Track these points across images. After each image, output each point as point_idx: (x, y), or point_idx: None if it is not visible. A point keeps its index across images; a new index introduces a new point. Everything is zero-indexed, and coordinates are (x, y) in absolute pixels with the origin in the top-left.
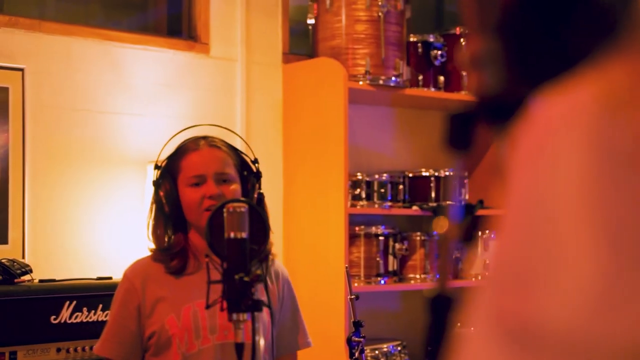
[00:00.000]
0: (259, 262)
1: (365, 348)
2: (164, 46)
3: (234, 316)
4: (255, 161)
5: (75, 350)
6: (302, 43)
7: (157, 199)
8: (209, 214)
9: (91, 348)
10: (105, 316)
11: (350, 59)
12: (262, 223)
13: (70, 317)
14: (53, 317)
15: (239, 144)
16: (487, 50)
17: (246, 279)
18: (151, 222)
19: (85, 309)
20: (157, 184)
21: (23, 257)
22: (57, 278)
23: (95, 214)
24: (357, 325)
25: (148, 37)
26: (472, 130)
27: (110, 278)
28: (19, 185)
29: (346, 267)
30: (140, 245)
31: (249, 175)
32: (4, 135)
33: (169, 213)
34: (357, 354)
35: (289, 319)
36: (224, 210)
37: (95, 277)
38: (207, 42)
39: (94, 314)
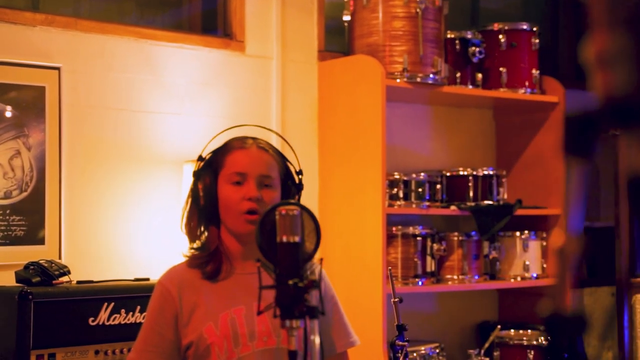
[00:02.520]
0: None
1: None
2: (200, 44)
3: (287, 323)
4: (300, 172)
5: (114, 352)
6: (337, 40)
7: (194, 191)
8: (247, 217)
9: (129, 350)
10: (143, 318)
11: (387, 56)
12: (313, 226)
13: (108, 319)
14: (91, 319)
15: (284, 150)
16: (617, 47)
17: (301, 284)
18: (185, 214)
19: (123, 310)
20: (197, 175)
21: (59, 258)
22: (94, 279)
23: (131, 214)
24: (400, 328)
25: (183, 35)
26: (593, 135)
27: (147, 279)
28: (56, 184)
29: (389, 269)
30: (177, 246)
31: (291, 185)
32: (41, 135)
33: (204, 207)
34: (401, 358)
35: (329, 318)
36: (276, 213)
37: (132, 278)
38: (243, 40)
39: (132, 315)
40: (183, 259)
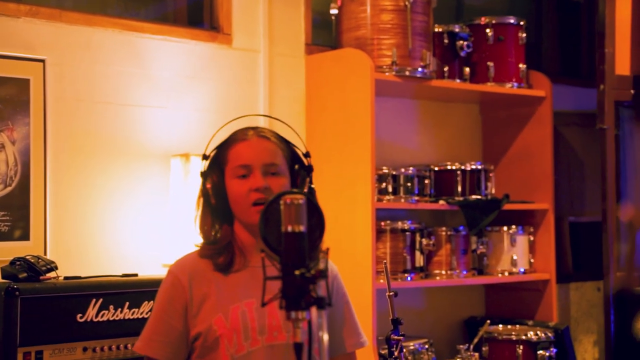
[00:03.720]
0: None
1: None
2: (186, 37)
3: (293, 314)
4: (307, 154)
5: (102, 349)
6: (324, 35)
7: (204, 191)
8: (256, 208)
9: (118, 347)
10: (132, 314)
11: (375, 49)
12: (318, 216)
13: (96, 316)
14: (79, 315)
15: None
16: None
17: (308, 274)
18: (198, 216)
19: (111, 307)
20: (204, 175)
21: (45, 254)
22: (81, 275)
23: (118, 208)
24: (396, 323)
25: (170, 28)
26: None
27: (135, 275)
28: (41, 179)
29: (385, 263)
30: (165, 240)
31: (300, 168)
32: (26, 128)
33: (216, 205)
34: (396, 353)
35: (340, 316)
36: (280, 202)
37: (120, 274)
38: (230, 33)
39: (121, 312)
40: (193, 249)
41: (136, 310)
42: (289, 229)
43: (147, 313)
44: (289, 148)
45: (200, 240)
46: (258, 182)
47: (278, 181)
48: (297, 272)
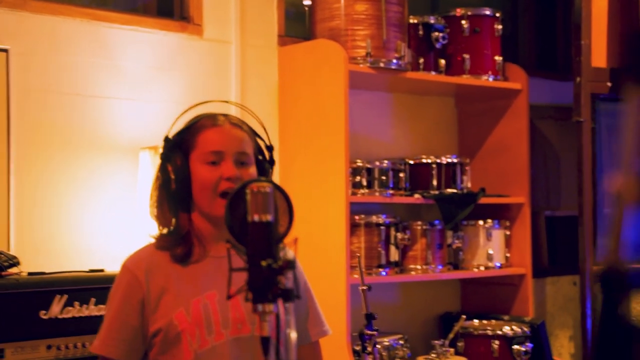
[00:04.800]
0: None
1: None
2: (155, 27)
3: (260, 307)
4: (271, 148)
5: (67, 347)
6: (297, 28)
7: (163, 175)
8: (222, 201)
9: (84, 345)
10: (98, 311)
11: (349, 40)
12: (286, 205)
13: (61, 312)
14: (43, 312)
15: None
16: None
17: (275, 265)
18: (154, 202)
19: (77, 303)
20: (165, 157)
21: (8, 249)
22: (46, 271)
23: (85, 203)
24: (369, 317)
25: (138, 18)
26: None
27: (102, 270)
28: (4, 172)
29: (358, 257)
30: (133, 235)
31: (263, 160)
32: None
33: (175, 190)
34: (369, 348)
35: (304, 307)
36: (247, 191)
37: (86, 269)
38: (200, 24)
39: (86, 308)
40: (149, 242)
41: (102, 306)
42: (256, 218)
43: None
44: (255, 139)
45: (155, 231)
46: (230, 170)
47: (249, 171)
48: (263, 263)
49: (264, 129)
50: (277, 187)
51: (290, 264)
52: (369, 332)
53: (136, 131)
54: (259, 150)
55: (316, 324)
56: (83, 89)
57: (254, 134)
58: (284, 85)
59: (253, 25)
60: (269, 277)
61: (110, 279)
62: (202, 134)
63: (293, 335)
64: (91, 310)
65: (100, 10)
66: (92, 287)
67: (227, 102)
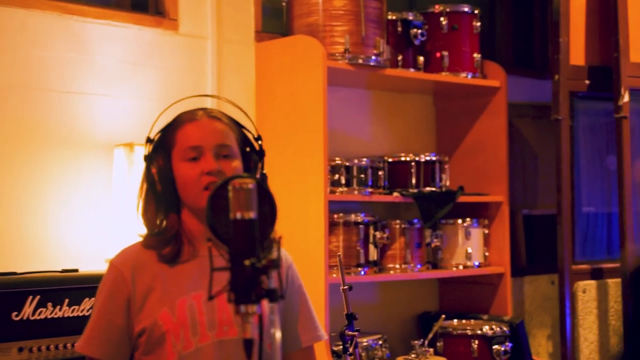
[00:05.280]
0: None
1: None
2: (130, 22)
3: (242, 308)
4: (259, 138)
5: (39, 349)
6: (275, 22)
7: (148, 176)
8: (208, 193)
9: (57, 347)
10: (72, 312)
11: (327, 36)
12: (269, 202)
13: (33, 314)
14: (14, 313)
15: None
16: None
17: (258, 264)
18: (141, 203)
19: (50, 304)
20: (148, 158)
21: None
22: (17, 271)
23: (57, 200)
24: (350, 317)
25: (112, 12)
26: None
27: (76, 270)
28: None
29: (339, 256)
30: (108, 234)
31: (251, 152)
32: None
33: (162, 192)
34: (351, 349)
35: (295, 309)
36: (229, 187)
37: (59, 269)
38: (176, 18)
39: (60, 309)
40: (137, 240)
41: (76, 307)
42: (238, 215)
43: (88, 310)
44: (240, 130)
45: (143, 230)
46: (210, 164)
47: (231, 164)
48: (246, 263)
49: (251, 121)
50: (260, 184)
51: (274, 263)
52: (350, 332)
53: (110, 128)
54: (244, 142)
55: (309, 329)
56: (55, 85)
57: (238, 125)
58: (261, 82)
59: (229, 21)
60: (252, 277)
61: (83, 279)
62: (181, 130)
63: (278, 334)
64: (65, 311)
65: (73, 4)
66: (66, 287)
67: (212, 96)
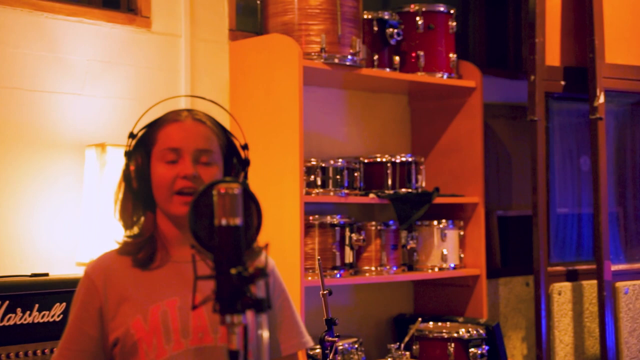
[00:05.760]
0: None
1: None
2: (101, 19)
3: (228, 318)
4: (245, 147)
5: (8, 356)
6: (249, 20)
7: (126, 173)
8: (180, 198)
9: (26, 354)
10: (42, 317)
11: (303, 35)
12: (256, 208)
13: (2, 320)
14: None
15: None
16: None
17: (245, 273)
18: (119, 201)
19: (19, 310)
20: (128, 154)
21: None
22: None
23: (27, 203)
24: (330, 323)
25: (83, 9)
26: None
27: (46, 275)
28: None
29: (318, 260)
30: (79, 237)
31: (234, 160)
32: None
33: (138, 190)
34: (331, 355)
35: (277, 316)
36: (214, 192)
37: (29, 273)
38: (149, 16)
39: (30, 315)
40: (112, 245)
41: (46, 313)
42: (223, 222)
43: (58, 316)
44: (226, 136)
45: (120, 233)
46: (187, 169)
47: (209, 171)
48: (233, 271)
49: (239, 127)
50: (245, 188)
51: (262, 272)
52: (330, 338)
53: (82, 128)
54: (229, 149)
55: (291, 336)
56: (25, 83)
57: (224, 131)
58: (235, 81)
59: (203, 19)
60: (238, 286)
61: (54, 284)
62: (163, 129)
63: (265, 334)
64: (34, 316)
65: (44, 1)
66: (36, 292)
67: (199, 97)
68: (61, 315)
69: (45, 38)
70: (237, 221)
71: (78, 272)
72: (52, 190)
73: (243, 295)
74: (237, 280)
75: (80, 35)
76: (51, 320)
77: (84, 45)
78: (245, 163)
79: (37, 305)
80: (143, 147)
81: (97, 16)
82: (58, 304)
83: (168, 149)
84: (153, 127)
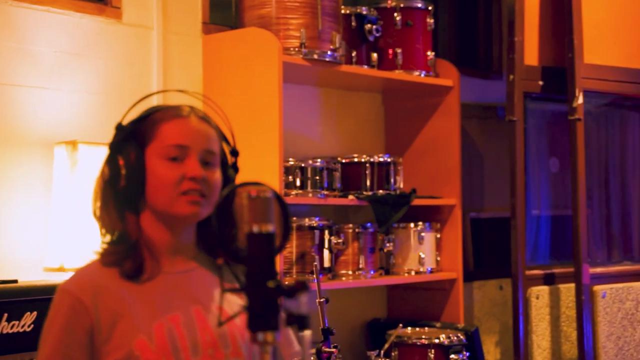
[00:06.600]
0: None
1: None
2: (70, 8)
3: (260, 336)
4: (236, 153)
5: None
6: (223, 13)
7: (112, 169)
8: (187, 197)
9: None
10: (12, 328)
11: (282, 30)
12: (285, 213)
13: None
14: None
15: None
16: None
17: (285, 287)
18: (99, 198)
19: None
20: (116, 148)
21: None
22: None
23: None
24: (327, 333)
25: None
26: None
27: (15, 281)
28: None
29: (315, 266)
30: (48, 241)
31: (231, 166)
32: None
33: (125, 189)
34: None
35: None
36: (245, 195)
37: None
38: (119, 6)
39: None
40: (92, 259)
41: (16, 323)
42: (255, 229)
43: (29, 326)
44: (221, 139)
45: (96, 239)
46: (195, 170)
47: (214, 174)
48: (270, 284)
49: (230, 129)
50: (276, 192)
51: (304, 285)
52: (327, 349)
53: (50, 123)
54: (222, 154)
55: (286, 344)
56: None
57: (220, 133)
58: (209, 76)
59: (175, 11)
60: (274, 300)
61: (24, 291)
62: (164, 124)
63: (307, 332)
64: (3, 327)
65: None
66: (4, 300)
67: (198, 95)
68: (32, 325)
69: (9, 27)
70: (270, 228)
71: (47, 278)
72: (19, 191)
73: (278, 310)
74: (274, 294)
75: (47, 25)
76: (21, 330)
77: (51, 36)
78: (236, 170)
79: (5, 315)
80: (136, 142)
81: (65, 5)
82: (29, 313)
83: (173, 146)
84: (150, 121)
